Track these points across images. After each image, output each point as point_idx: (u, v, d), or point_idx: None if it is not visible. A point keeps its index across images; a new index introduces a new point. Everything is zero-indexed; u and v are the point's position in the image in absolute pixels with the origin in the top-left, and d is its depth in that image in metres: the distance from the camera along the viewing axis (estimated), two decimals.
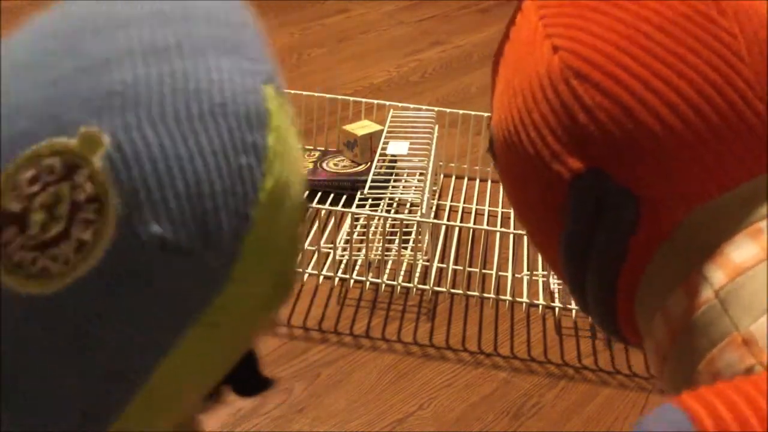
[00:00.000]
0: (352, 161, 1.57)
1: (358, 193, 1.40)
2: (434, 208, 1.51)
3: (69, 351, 0.34)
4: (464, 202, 1.54)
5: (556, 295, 1.27)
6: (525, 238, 1.37)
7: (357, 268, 1.30)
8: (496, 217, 1.49)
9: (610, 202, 0.38)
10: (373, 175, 1.28)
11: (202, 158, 0.33)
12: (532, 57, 0.40)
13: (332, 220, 1.43)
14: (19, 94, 0.35)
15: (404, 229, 1.35)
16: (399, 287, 1.27)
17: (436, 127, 1.47)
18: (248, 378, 0.45)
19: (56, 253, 0.32)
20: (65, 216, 0.32)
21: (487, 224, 1.47)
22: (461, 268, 1.31)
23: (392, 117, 1.46)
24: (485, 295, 1.26)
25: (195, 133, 0.34)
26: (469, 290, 1.28)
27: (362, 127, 1.56)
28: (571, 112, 0.38)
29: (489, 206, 1.52)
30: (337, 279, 1.29)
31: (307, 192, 1.51)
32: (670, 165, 0.36)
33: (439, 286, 1.29)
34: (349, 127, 1.56)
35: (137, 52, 0.35)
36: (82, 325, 0.33)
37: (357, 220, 1.40)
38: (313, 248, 1.30)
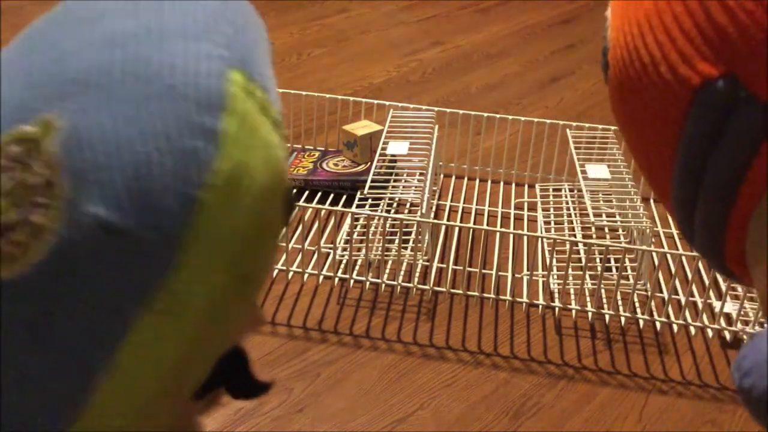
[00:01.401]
0: (352, 161, 1.57)
1: (358, 193, 1.40)
2: (434, 208, 1.51)
3: (27, 339, 0.34)
4: (464, 202, 1.54)
5: (556, 295, 1.27)
6: (525, 238, 1.37)
7: (357, 268, 1.30)
8: (496, 217, 1.49)
9: (739, 113, 0.35)
10: (373, 175, 1.28)
11: (148, 139, 0.34)
12: None
13: (332, 220, 1.43)
14: None
15: (404, 229, 1.35)
16: (399, 287, 1.27)
17: (436, 127, 1.47)
18: (241, 380, 0.45)
19: (15, 237, 0.33)
20: (23, 201, 0.33)
21: (487, 224, 1.47)
22: (461, 268, 1.31)
23: (392, 117, 1.46)
24: (485, 295, 1.26)
25: (143, 115, 0.34)
26: (469, 290, 1.28)
27: (362, 127, 1.57)
28: (709, 13, 0.35)
29: (489, 206, 1.52)
30: (337, 279, 1.29)
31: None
32: None
33: (439, 286, 1.29)
34: (349, 127, 1.56)
35: (99, 41, 0.36)
36: (39, 311, 0.34)
37: (357, 220, 1.40)
38: (313, 248, 1.30)
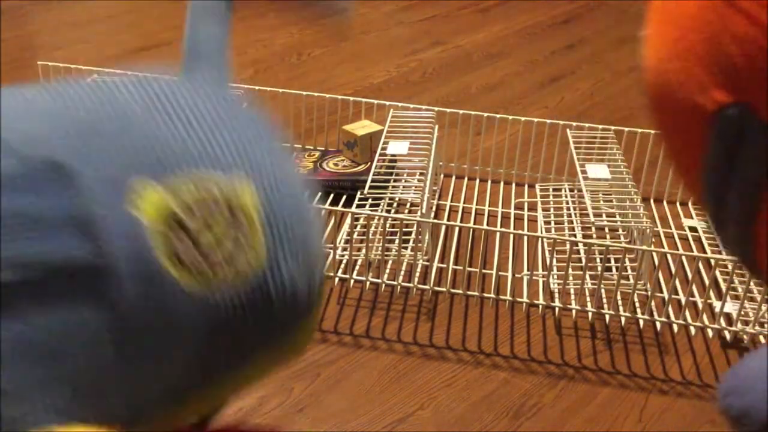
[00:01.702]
0: (352, 161, 1.57)
1: (358, 193, 1.40)
2: (434, 208, 1.51)
3: (189, 340, 0.43)
4: (464, 202, 1.54)
5: (556, 295, 1.27)
6: (525, 238, 1.37)
7: (357, 268, 1.30)
8: (496, 217, 1.49)
9: (751, 138, 0.37)
10: (373, 175, 1.28)
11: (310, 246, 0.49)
12: None
13: (332, 220, 1.43)
14: (162, 134, 0.45)
15: (404, 229, 1.34)
16: (399, 287, 1.27)
17: (436, 127, 1.47)
18: None
19: (216, 259, 0.42)
20: (225, 237, 0.43)
21: (487, 224, 1.47)
22: (461, 268, 1.31)
23: (392, 117, 1.46)
24: (485, 295, 1.26)
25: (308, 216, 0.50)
26: (469, 290, 1.28)
27: (362, 127, 1.57)
28: (721, 43, 0.37)
29: (489, 206, 1.52)
30: (337, 279, 1.29)
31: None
32: None
33: (439, 286, 1.29)
34: (349, 127, 1.56)
35: (244, 137, 0.47)
36: (214, 324, 0.43)
37: (357, 220, 1.40)
38: None
